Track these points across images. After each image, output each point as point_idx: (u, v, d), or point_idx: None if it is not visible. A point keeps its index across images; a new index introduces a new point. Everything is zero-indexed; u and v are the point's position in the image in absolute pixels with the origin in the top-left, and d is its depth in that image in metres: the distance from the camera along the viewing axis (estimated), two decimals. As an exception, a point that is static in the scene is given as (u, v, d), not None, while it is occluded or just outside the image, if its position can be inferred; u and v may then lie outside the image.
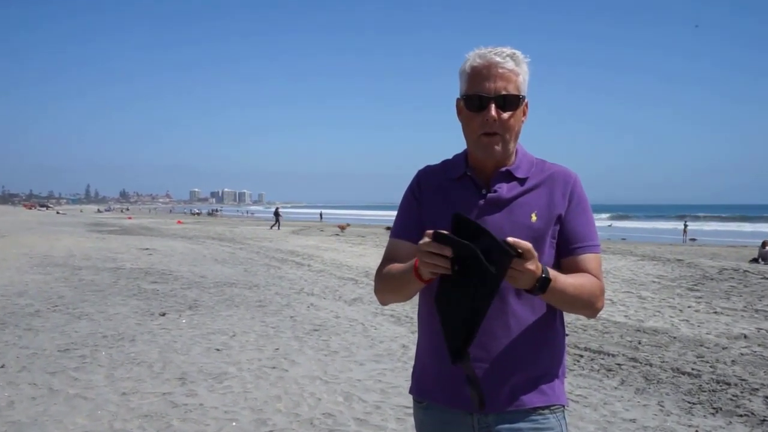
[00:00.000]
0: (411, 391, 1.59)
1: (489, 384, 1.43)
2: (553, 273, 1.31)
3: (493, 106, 1.39)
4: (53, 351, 5.44)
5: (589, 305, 1.43)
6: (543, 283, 1.28)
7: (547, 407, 1.46)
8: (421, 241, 1.24)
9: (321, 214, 62.56)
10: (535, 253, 1.23)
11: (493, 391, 1.43)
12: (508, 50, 1.41)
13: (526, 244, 1.21)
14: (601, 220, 52.91)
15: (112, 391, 4.37)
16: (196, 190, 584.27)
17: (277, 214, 36.89)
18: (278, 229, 32.95)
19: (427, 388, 1.53)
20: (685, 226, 34.32)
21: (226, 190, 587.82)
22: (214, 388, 4.48)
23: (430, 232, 1.23)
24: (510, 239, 1.20)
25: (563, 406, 1.50)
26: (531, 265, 1.22)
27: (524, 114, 1.46)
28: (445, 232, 1.20)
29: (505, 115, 1.40)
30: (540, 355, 1.47)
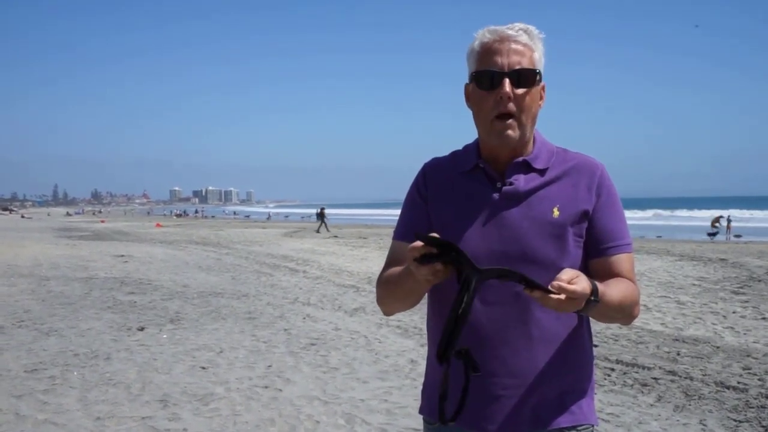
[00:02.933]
0: (421, 411, 1.59)
1: (509, 401, 1.43)
2: (601, 290, 1.28)
3: (507, 81, 1.39)
4: (19, 372, 5.47)
5: (628, 315, 1.43)
6: (589, 306, 1.26)
7: (575, 428, 1.46)
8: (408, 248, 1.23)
9: (317, 213, 62.54)
10: (582, 289, 1.21)
11: (514, 409, 1.43)
12: (521, 25, 1.43)
13: (572, 289, 1.18)
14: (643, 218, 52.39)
15: (85, 415, 4.38)
16: (177, 188, 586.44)
17: (321, 215, 35.32)
18: (327, 230, 32.08)
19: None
20: (729, 221, 34.16)
21: (210, 188, 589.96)
22: (199, 411, 4.49)
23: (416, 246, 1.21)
24: (556, 284, 1.18)
25: (593, 426, 1.50)
26: (582, 302, 1.21)
27: (541, 98, 1.46)
28: (434, 235, 1.19)
29: (521, 91, 1.40)
30: (566, 368, 1.46)
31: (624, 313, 1.41)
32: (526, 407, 1.43)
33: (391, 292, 1.50)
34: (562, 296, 1.17)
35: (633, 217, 55.26)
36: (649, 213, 64.46)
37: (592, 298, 1.24)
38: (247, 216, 77.91)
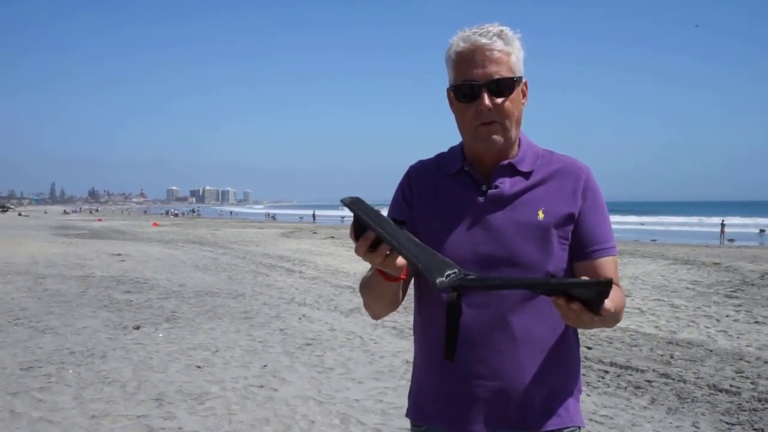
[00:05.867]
0: (408, 414, 1.60)
1: (495, 404, 1.43)
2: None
3: (485, 93, 1.38)
4: (15, 369, 5.45)
5: (615, 321, 1.42)
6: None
7: (561, 430, 1.46)
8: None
9: (314, 215, 62.61)
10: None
11: (500, 412, 1.43)
12: (494, 28, 1.40)
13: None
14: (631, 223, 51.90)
15: (80, 413, 4.37)
16: (174, 188, 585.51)
17: None
18: None
19: (425, 410, 1.53)
20: (723, 225, 34.36)
21: (207, 188, 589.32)
22: (194, 410, 4.48)
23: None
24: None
25: (579, 428, 1.50)
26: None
27: (524, 96, 1.45)
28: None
29: (500, 100, 1.39)
30: (552, 370, 1.46)
31: (615, 318, 1.39)
32: (511, 409, 1.43)
33: (366, 295, 1.51)
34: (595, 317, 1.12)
35: (638, 221, 54.92)
36: (650, 218, 63.77)
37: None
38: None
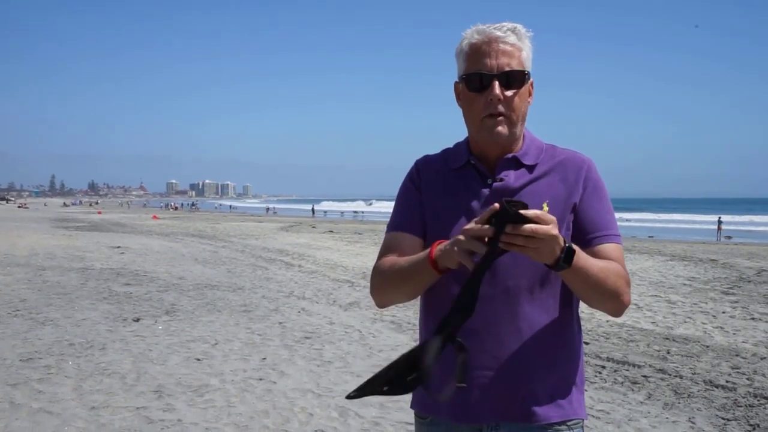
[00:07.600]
0: (413, 406, 1.60)
1: (498, 395, 1.44)
2: (576, 250, 1.28)
3: (496, 83, 1.40)
4: (14, 360, 5.46)
5: (614, 294, 1.39)
6: (568, 254, 1.25)
7: (564, 422, 1.46)
8: (470, 226, 1.24)
9: (313, 209, 62.61)
10: (554, 218, 1.21)
11: (504, 403, 1.44)
12: (508, 24, 1.44)
13: (542, 214, 1.20)
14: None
15: (80, 405, 4.38)
16: (174, 181, 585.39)
17: None
18: None
19: (430, 401, 1.53)
20: (720, 222, 34.39)
21: (207, 181, 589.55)
22: (194, 402, 4.49)
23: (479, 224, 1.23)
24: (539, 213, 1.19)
25: (582, 420, 1.50)
26: (553, 230, 1.20)
27: (530, 95, 1.48)
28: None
29: (510, 93, 1.42)
30: (555, 362, 1.46)
31: (610, 289, 1.37)
32: (515, 401, 1.43)
33: (395, 281, 1.48)
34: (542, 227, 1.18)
35: (635, 218, 54.79)
36: (651, 215, 63.31)
37: (566, 244, 1.25)
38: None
